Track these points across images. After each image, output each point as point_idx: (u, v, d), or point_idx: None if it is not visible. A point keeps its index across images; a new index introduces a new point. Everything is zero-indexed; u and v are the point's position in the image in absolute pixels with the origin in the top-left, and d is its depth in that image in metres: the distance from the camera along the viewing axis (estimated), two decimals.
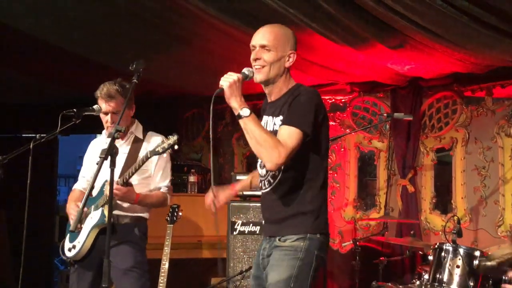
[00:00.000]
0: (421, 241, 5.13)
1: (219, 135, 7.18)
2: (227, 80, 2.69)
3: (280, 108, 2.82)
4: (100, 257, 3.41)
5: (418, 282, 4.34)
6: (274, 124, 2.84)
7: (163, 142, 3.42)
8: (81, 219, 3.66)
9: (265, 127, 2.83)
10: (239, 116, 2.69)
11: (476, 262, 4.03)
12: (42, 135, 3.56)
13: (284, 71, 2.84)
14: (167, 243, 4.58)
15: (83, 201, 3.03)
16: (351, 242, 5.13)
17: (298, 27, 4.13)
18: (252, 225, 5.29)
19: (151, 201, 3.78)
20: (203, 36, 4.75)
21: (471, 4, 3.63)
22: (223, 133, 7.18)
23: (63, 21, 4.53)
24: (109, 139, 2.96)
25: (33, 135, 3.60)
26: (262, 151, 2.65)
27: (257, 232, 5.28)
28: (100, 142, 3.93)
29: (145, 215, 3.82)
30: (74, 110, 3.56)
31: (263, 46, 2.80)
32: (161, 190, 3.84)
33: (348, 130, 6.09)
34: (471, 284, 4.02)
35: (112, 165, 2.88)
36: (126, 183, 3.59)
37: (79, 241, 3.71)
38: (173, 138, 3.38)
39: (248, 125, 2.68)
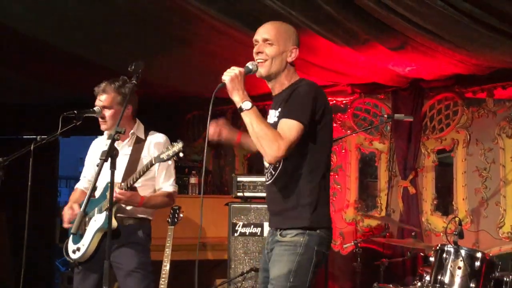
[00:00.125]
0: (423, 243, 5.12)
1: None
2: (229, 74, 2.73)
3: (280, 102, 2.84)
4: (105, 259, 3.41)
5: (419, 284, 4.34)
6: (275, 116, 2.86)
7: (167, 149, 3.42)
8: (81, 221, 3.65)
9: (268, 121, 2.85)
10: (241, 109, 2.71)
11: (477, 263, 4.03)
12: (42, 136, 3.56)
13: (286, 65, 2.87)
14: (168, 244, 4.58)
15: (84, 203, 3.03)
16: (352, 243, 5.13)
17: (299, 29, 4.10)
18: (253, 227, 5.29)
19: (155, 202, 3.77)
20: (204, 37, 4.75)
21: (472, 6, 3.63)
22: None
23: (64, 22, 4.53)
24: (109, 141, 2.95)
25: (34, 136, 3.60)
26: (262, 144, 2.67)
27: (258, 233, 5.27)
28: (101, 143, 3.93)
29: (149, 216, 3.82)
30: (75, 111, 3.56)
31: (265, 40, 2.84)
32: (165, 189, 3.82)
33: (349, 132, 6.09)
34: (473, 285, 4.01)
35: (112, 166, 2.87)
36: (131, 188, 3.59)
37: (84, 244, 3.70)
38: (178, 146, 3.39)
39: (249, 118, 2.70)
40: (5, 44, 5.03)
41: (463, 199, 5.51)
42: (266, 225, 5.24)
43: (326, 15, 3.98)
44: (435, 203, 5.71)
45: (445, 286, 4.07)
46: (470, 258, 4.07)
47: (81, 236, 3.73)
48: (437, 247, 4.23)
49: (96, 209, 3.73)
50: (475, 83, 5.45)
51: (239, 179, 5.54)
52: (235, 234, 5.30)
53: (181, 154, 3.39)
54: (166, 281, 4.51)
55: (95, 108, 3.71)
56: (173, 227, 4.65)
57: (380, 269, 4.92)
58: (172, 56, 5.30)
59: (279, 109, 2.82)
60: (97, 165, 2.88)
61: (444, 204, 5.72)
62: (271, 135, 2.65)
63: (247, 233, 5.29)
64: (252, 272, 5.06)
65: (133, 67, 3.12)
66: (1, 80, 6.17)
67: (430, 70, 5.30)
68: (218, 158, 7.21)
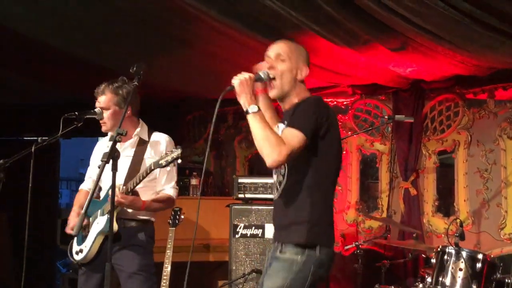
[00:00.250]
0: (424, 244, 5.12)
1: (221, 138, 7.17)
2: (238, 78, 2.77)
3: (288, 115, 2.87)
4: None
5: (421, 285, 4.34)
6: (279, 129, 2.90)
7: (166, 154, 3.42)
8: (82, 223, 3.65)
9: None
10: (247, 112, 2.74)
11: (479, 265, 4.02)
12: (43, 138, 3.56)
13: (296, 83, 2.91)
14: (169, 246, 4.58)
15: (85, 206, 3.03)
16: (354, 245, 5.12)
17: (300, 30, 4.13)
18: (254, 228, 5.29)
19: (157, 206, 3.77)
20: (205, 38, 4.75)
21: (472, 6, 3.62)
22: (225, 135, 7.18)
23: (65, 23, 4.53)
24: (111, 142, 2.95)
25: (35, 138, 3.60)
26: (263, 147, 2.69)
27: (259, 235, 5.27)
28: (105, 144, 3.94)
29: (151, 218, 3.82)
30: (76, 113, 3.56)
31: (278, 56, 2.89)
32: (167, 192, 3.82)
33: (350, 133, 6.09)
34: (474, 287, 4.01)
35: (114, 168, 2.87)
36: (132, 192, 3.59)
37: (86, 246, 3.71)
38: (176, 152, 3.39)
39: (253, 121, 2.72)
40: (6, 46, 5.03)
41: (465, 201, 5.50)
42: (267, 226, 5.24)
43: (327, 15, 3.98)
44: (436, 204, 5.71)
45: (446, 287, 4.06)
46: (472, 259, 4.07)
47: (85, 237, 3.74)
48: (438, 249, 4.23)
49: (99, 211, 3.73)
50: (476, 84, 5.46)
51: (240, 180, 5.54)
52: (236, 236, 5.30)
53: (179, 161, 3.40)
54: (167, 283, 4.51)
55: (96, 110, 3.72)
56: (174, 228, 4.65)
57: (381, 270, 4.92)
58: (172, 57, 5.30)
59: (286, 123, 2.84)
60: (99, 167, 2.88)
61: (445, 206, 5.71)
62: (273, 140, 2.67)
63: (248, 235, 5.29)
64: (253, 273, 5.06)
65: (135, 68, 3.12)
66: (1, 81, 6.17)
67: (430, 71, 5.29)
68: (219, 159, 7.20)
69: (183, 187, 6.07)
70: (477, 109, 5.52)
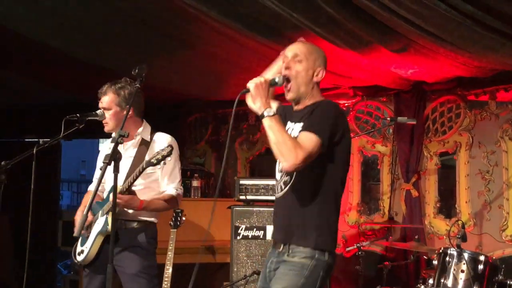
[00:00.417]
0: (425, 246, 5.11)
1: (222, 140, 7.17)
2: (254, 82, 2.76)
3: (302, 116, 2.87)
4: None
5: (422, 287, 4.32)
6: (293, 129, 2.89)
7: (157, 153, 3.42)
8: (84, 224, 3.65)
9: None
10: (262, 116, 2.72)
11: (480, 267, 4.02)
12: (45, 140, 3.56)
13: (313, 86, 2.92)
14: (170, 247, 4.57)
15: (86, 208, 3.03)
16: (355, 246, 5.12)
17: (301, 31, 4.12)
18: (256, 230, 5.28)
19: (157, 206, 3.75)
20: (206, 39, 4.75)
21: (474, 8, 3.62)
22: (226, 137, 7.17)
23: (65, 23, 4.53)
24: (113, 144, 2.95)
25: (36, 139, 3.60)
26: (280, 151, 2.67)
27: (261, 236, 5.27)
28: (110, 145, 3.94)
29: (152, 219, 3.79)
30: (77, 115, 3.56)
31: (295, 56, 2.89)
32: (169, 191, 3.79)
33: (351, 135, 6.07)
34: None
35: (116, 170, 2.87)
36: (129, 191, 3.58)
37: (87, 246, 3.71)
38: (167, 150, 3.41)
39: (269, 124, 2.70)
40: (7, 47, 5.03)
41: (466, 202, 5.50)
42: (268, 228, 5.23)
43: (328, 17, 3.98)
44: (438, 206, 5.70)
45: None
46: (473, 261, 4.06)
47: (87, 238, 3.74)
48: (440, 250, 4.23)
49: (100, 211, 3.73)
50: (478, 85, 5.45)
51: (241, 182, 5.54)
52: (238, 237, 5.29)
53: (168, 159, 3.41)
54: (168, 284, 4.50)
55: (97, 111, 3.72)
56: (175, 230, 4.64)
57: (383, 272, 4.91)
58: (173, 57, 5.30)
59: (301, 123, 2.83)
60: (101, 169, 2.88)
61: (447, 207, 5.71)
62: (290, 143, 2.65)
63: (249, 236, 5.29)
64: (255, 275, 5.05)
65: (136, 70, 3.12)
66: (1, 81, 6.18)
67: (432, 72, 5.29)
68: (220, 161, 7.20)
69: (184, 188, 6.06)
70: (478, 110, 5.52)
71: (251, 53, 4.77)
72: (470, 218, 5.43)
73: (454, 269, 4.08)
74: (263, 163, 6.81)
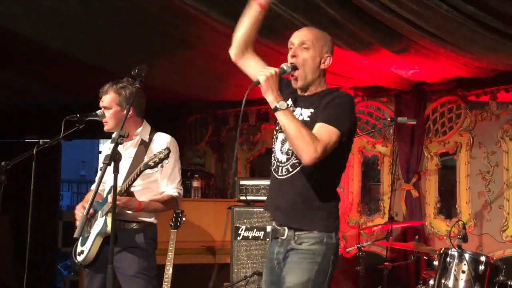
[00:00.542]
0: (426, 246, 5.10)
1: (223, 140, 7.17)
2: (264, 74, 2.69)
3: (311, 102, 2.83)
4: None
5: None
6: (301, 114, 2.84)
7: (155, 155, 3.42)
8: (84, 225, 3.65)
9: None
10: (276, 109, 2.67)
11: (481, 267, 4.01)
12: (45, 140, 3.56)
13: (320, 73, 2.87)
14: (170, 248, 4.57)
15: (86, 209, 3.02)
16: (355, 247, 5.11)
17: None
18: (256, 230, 5.28)
19: (156, 207, 3.73)
20: (206, 39, 4.74)
21: (475, 8, 3.62)
22: (226, 138, 7.17)
23: (65, 23, 4.53)
24: (113, 144, 2.94)
25: (36, 140, 3.60)
26: (299, 145, 2.64)
27: (261, 237, 5.26)
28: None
29: (151, 220, 3.77)
30: (77, 115, 3.55)
31: (301, 44, 2.83)
32: (168, 192, 3.77)
33: None
34: None
35: (115, 171, 2.86)
36: (127, 192, 3.57)
37: (86, 247, 3.70)
38: (164, 152, 3.40)
39: (285, 118, 2.66)
40: (7, 48, 5.03)
41: (467, 203, 5.50)
42: (269, 228, 5.22)
43: (328, 17, 3.97)
44: (438, 206, 5.70)
45: None
46: (474, 261, 4.05)
47: (86, 239, 3.73)
48: (441, 251, 4.22)
49: (99, 212, 3.72)
50: (478, 86, 5.45)
51: (241, 182, 5.53)
52: (238, 238, 5.29)
53: (165, 161, 3.40)
54: (169, 285, 4.49)
55: (97, 112, 3.71)
56: (175, 230, 4.64)
57: (383, 272, 4.91)
58: (173, 58, 5.30)
59: (312, 110, 2.80)
60: (100, 169, 2.87)
61: (448, 208, 5.71)
62: (307, 137, 2.62)
63: (250, 237, 5.28)
64: (255, 276, 5.05)
65: (136, 70, 3.11)
66: (1, 81, 6.18)
67: (433, 73, 5.29)
68: (220, 162, 7.20)
69: (184, 189, 6.05)
70: (479, 111, 5.52)
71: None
72: (470, 218, 5.43)
73: (455, 270, 4.08)
74: (264, 164, 6.81)
